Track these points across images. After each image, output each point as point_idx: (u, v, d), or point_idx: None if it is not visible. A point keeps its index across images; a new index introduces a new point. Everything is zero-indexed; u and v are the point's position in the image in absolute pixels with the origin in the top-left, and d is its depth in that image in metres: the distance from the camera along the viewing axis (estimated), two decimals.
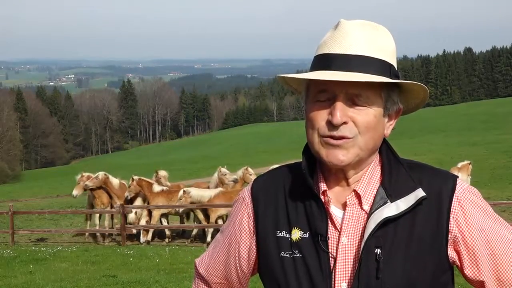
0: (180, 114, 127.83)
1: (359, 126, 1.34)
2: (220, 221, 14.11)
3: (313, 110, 1.37)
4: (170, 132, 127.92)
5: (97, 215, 15.73)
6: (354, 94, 1.33)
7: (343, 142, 1.34)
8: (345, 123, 1.33)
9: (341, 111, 1.32)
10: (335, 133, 1.34)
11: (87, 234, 15.82)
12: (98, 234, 15.60)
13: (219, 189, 14.63)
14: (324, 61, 1.36)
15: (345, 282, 1.36)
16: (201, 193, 14.27)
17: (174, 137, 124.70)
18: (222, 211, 14.03)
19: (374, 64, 1.34)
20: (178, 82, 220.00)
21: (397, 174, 1.40)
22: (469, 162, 17.29)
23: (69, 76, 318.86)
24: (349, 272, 1.36)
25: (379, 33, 1.38)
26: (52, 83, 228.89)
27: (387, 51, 1.37)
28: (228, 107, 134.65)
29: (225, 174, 15.16)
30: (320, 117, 1.36)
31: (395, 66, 1.39)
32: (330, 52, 1.35)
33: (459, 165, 17.00)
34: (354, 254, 1.37)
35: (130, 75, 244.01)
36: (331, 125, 1.34)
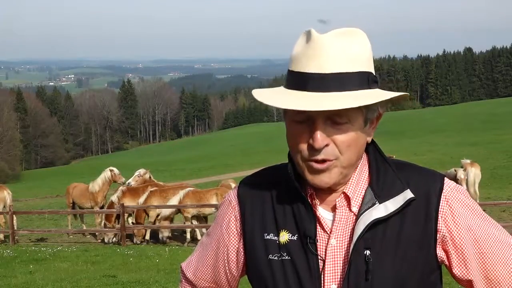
0: (180, 114, 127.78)
1: (340, 146, 1.32)
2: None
3: (292, 131, 1.35)
4: (170, 132, 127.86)
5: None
6: (334, 114, 1.29)
7: (326, 166, 1.32)
8: (326, 145, 1.31)
9: (321, 134, 1.30)
10: (317, 157, 1.31)
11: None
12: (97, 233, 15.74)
13: (188, 188, 14.56)
14: (299, 80, 1.31)
15: (335, 284, 1.35)
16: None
17: (174, 137, 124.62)
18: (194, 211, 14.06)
19: (352, 79, 1.29)
20: (178, 82, 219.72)
21: (384, 174, 1.39)
22: (469, 161, 17.12)
23: (69, 76, 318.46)
24: (339, 274, 1.36)
25: (353, 40, 1.32)
26: (52, 83, 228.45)
27: (363, 59, 1.32)
28: (228, 107, 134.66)
29: None
30: (301, 139, 1.33)
31: (373, 70, 1.35)
32: (305, 71, 1.30)
33: (469, 160, 16.64)
34: (343, 256, 1.36)
35: (130, 75, 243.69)
36: (312, 148, 1.31)
